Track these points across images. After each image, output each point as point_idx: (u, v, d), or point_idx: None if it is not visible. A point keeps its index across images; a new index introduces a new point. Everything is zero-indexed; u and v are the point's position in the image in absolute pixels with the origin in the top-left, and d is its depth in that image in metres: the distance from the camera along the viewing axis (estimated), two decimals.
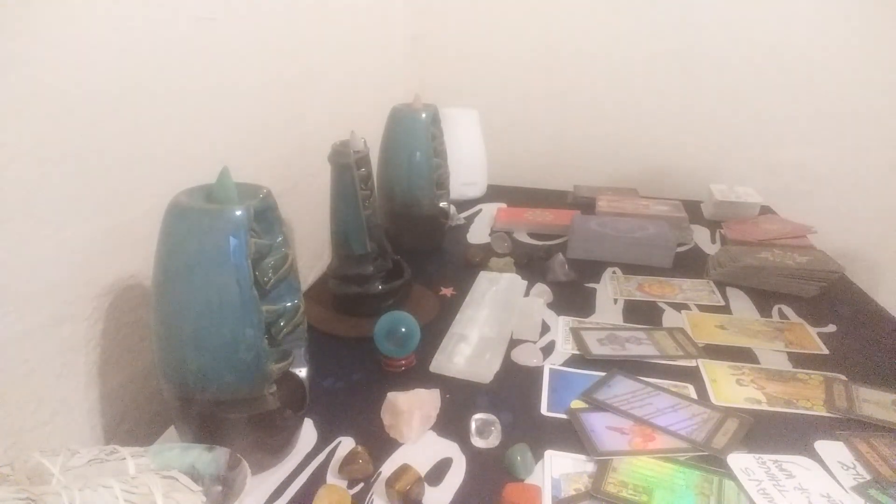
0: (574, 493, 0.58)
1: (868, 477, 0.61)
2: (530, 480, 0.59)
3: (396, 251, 0.95)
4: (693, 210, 1.41)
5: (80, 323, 0.61)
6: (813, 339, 0.88)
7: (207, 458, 0.53)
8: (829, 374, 0.79)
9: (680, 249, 1.19)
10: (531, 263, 1.10)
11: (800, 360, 0.83)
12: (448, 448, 0.64)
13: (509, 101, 1.65)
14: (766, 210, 1.42)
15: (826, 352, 0.85)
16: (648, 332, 0.88)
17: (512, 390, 0.74)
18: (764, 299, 1.01)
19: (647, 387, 0.75)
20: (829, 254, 1.10)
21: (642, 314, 0.95)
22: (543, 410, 0.71)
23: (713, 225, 1.36)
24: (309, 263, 1.14)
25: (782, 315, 0.96)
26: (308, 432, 0.66)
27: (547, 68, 1.60)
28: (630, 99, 1.58)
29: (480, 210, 1.43)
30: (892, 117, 1.46)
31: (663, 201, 1.41)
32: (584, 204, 1.43)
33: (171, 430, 0.64)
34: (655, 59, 1.53)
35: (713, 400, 0.73)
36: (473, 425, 0.66)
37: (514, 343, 0.84)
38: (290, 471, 0.61)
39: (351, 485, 0.59)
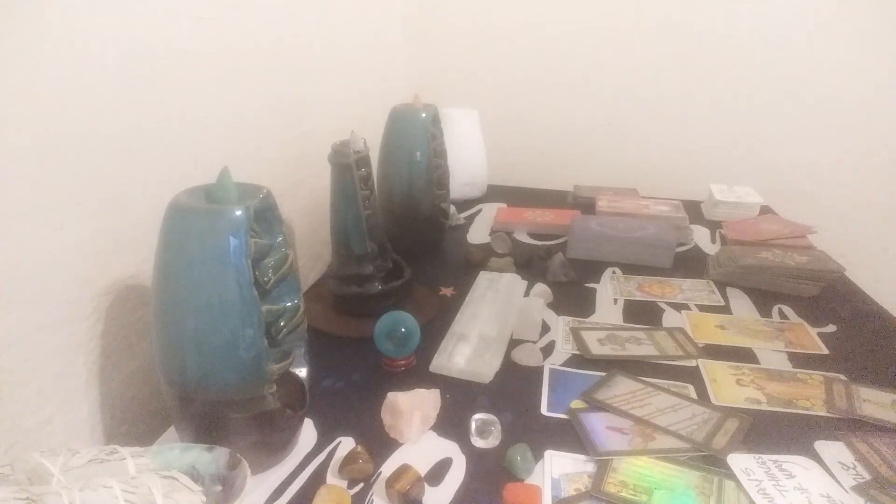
0: (574, 493, 0.58)
1: (868, 477, 0.61)
2: (530, 480, 0.59)
3: (396, 251, 0.95)
4: (693, 210, 1.41)
5: (80, 323, 0.61)
6: (813, 339, 0.88)
7: (207, 458, 0.53)
8: (829, 374, 0.79)
9: (680, 249, 1.19)
10: (531, 263, 1.10)
11: (800, 360, 0.83)
12: (448, 448, 0.64)
13: (509, 101, 1.65)
14: (766, 210, 1.42)
15: (826, 352, 0.85)
16: (648, 332, 0.88)
17: (512, 390, 0.74)
18: (764, 299, 1.01)
19: (647, 387, 0.75)
20: (829, 254, 1.10)
21: (642, 314, 0.95)
22: (543, 410, 0.71)
23: (713, 225, 1.36)
24: (309, 263, 1.14)
25: (782, 315, 0.96)
26: (308, 432, 0.66)
27: (547, 68, 1.60)
28: (630, 99, 1.58)
29: (480, 210, 1.43)
30: (893, 117, 1.46)
31: (663, 201, 1.41)
32: (584, 204, 1.43)
33: (171, 430, 0.64)
34: (656, 58, 1.53)
35: (713, 400, 0.73)
36: (473, 425, 0.66)
37: (514, 343, 0.84)
38: (290, 471, 0.61)
39: (351, 485, 0.59)
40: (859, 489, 0.60)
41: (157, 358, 0.56)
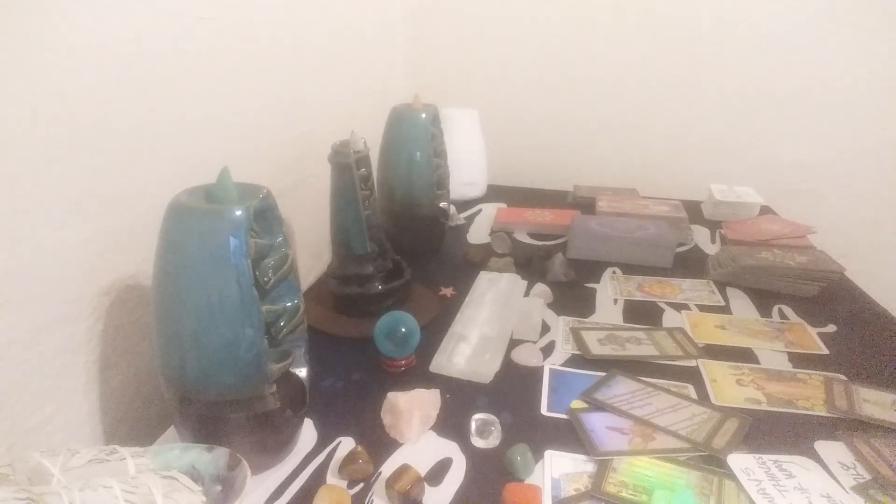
0: (574, 493, 0.58)
1: (868, 477, 0.61)
2: (530, 480, 0.59)
3: (396, 251, 0.95)
4: (693, 210, 1.41)
5: (80, 323, 0.61)
6: (813, 339, 0.88)
7: (207, 458, 0.53)
8: (829, 374, 0.79)
9: (680, 249, 1.19)
10: (531, 263, 1.10)
11: (800, 360, 0.83)
12: (448, 448, 0.64)
13: (509, 101, 1.65)
14: (766, 210, 1.42)
15: (826, 352, 0.85)
16: (648, 332, 0.88)
17: (512, 390, 0.74)
18: (764, 299, 1.01)
19: (647, 387, 0.75)
20: (829, 254, 1.10)
21: (642, 314, 0.95)
22: (543, 410, 0.70)
23: (713, 225, 1.36)
24: (309, 263, 1.14)
25: (782, 315, 0.96)
26: (308, 432, 0.66)
27: (547, 69, 1.60)
28: (630, 99, 1.58)
29: (480, 210, 1.43)
30: (893, 117, 1.46)
31: (663, 201, 1.40)
32: (584, 204, 1.43)
33: (171, 430, 0.64)
34: (656, 59, 1.53)
35: (713, 400, 0.73)
36: (473, 425, 0.66)
37: (514, 343, 0.84)
38: (290, 471, 0.61)
39: (351, 485, 0.59)
40: (859, 489, 0.59)
41: (157, 358, 0.56)
